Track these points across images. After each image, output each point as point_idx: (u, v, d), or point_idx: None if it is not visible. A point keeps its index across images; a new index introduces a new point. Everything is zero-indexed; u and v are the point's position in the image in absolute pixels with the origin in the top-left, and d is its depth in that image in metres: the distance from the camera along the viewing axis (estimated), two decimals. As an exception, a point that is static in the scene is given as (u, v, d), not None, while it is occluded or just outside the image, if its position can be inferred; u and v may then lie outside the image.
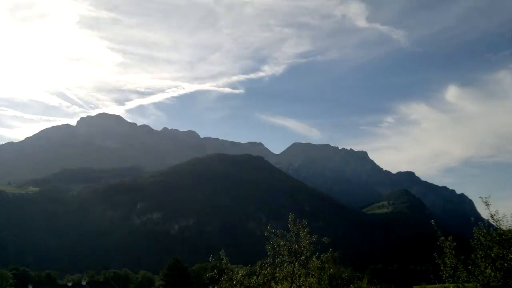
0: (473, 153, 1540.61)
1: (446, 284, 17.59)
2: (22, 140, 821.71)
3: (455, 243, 17.40)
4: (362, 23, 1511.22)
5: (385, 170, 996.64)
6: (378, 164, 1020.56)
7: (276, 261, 20.13)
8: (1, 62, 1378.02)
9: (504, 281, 15.70)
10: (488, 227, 17.43)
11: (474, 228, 17.59)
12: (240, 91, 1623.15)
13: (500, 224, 17.14)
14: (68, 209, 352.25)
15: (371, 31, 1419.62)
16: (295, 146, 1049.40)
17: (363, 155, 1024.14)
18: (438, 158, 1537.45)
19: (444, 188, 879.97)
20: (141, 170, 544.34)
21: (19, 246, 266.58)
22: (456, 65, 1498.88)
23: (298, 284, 20.43)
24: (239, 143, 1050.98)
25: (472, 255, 17.36)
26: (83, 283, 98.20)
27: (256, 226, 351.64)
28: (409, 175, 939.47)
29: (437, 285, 21.32)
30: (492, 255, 16.28)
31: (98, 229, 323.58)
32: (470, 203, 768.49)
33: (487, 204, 17.51)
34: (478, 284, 16.30)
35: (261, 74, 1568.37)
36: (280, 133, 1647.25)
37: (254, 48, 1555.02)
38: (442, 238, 17.47)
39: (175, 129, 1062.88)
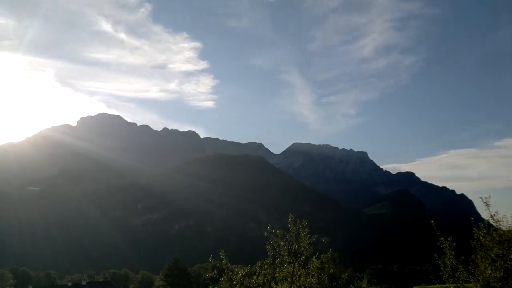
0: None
1: (446, 285, 17.54)
2: (22, 140, 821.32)
3: (455, 244, 17.38)
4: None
5: (385, 170, 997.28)
6: (378, 164, 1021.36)
7: (276, 261, 20.12)
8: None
9: (504, 282, 15.69)
10: (488, 227, 17.41)
11: (474, 229, 17.57)
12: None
13: (500, 225, 17.12)
14: (68, 209, 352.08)
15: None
16: (295, 146, 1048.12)
17: (363, 155, 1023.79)
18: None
19: (444, 188, 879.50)
20: (141, 171, 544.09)
21: (19, 246, 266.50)
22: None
23: (298, 284, 20.42)
24: (239, 143, 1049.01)
25: (472, 256, 17.34)
26: (83, 283, 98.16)
27: (256, 226, 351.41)
28: (409, 175, 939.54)
29: (437, 285, 21.28)
30: (492, 255, 16.26)
31: (98, 229, 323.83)
32: (470, 203, 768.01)
33: (487, 205, 17.49)
34: (478, 285, 16.27)
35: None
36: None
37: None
38: (442, 238, 17.45)
39: (175, 130, 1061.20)
